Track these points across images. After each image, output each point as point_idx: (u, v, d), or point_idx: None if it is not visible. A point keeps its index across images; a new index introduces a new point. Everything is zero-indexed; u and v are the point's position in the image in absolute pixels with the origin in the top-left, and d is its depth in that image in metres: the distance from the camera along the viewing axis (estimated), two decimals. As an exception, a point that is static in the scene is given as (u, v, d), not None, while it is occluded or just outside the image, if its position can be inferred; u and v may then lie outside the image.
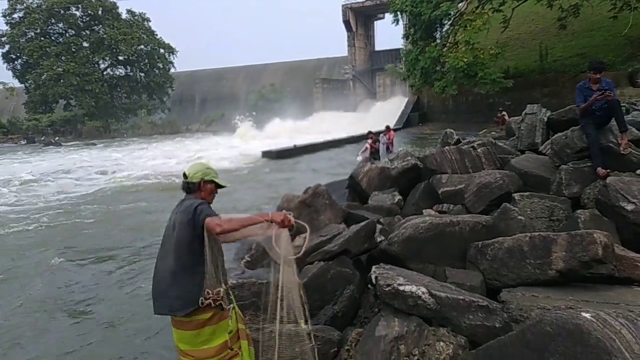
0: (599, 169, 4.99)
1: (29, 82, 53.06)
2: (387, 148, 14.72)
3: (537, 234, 3.70)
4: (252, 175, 17.16)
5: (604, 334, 2.19)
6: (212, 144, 31.18)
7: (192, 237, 2.79)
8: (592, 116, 5.31)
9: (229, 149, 26.83)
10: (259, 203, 11.52)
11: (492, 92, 23.93)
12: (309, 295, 3.91)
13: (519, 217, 4.37)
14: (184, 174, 2.96)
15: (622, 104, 5.32)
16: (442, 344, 2.94)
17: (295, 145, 23.44)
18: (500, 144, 7.66)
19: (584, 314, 2.35)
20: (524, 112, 7.80)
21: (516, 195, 5.04)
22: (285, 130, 36.87)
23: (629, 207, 4.14)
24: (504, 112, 20.02)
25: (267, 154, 21.65)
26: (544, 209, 4.89)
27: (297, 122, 41.11)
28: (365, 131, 15.36)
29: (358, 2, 48.83)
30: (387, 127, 15.74)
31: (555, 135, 6.08)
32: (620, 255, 3.57)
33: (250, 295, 4.25)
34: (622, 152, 5.05)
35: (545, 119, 7.40)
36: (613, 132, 5.30)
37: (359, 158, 13.62)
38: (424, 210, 5.81)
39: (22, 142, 46.71)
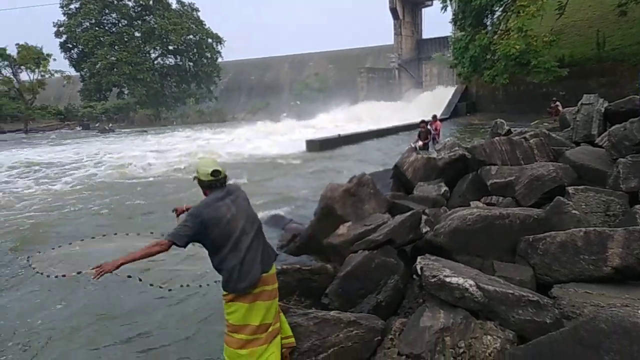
0: (662, 162, 4.73)
1: (84, 70, 55.47)
2: (434, 138, 14.46)
3: (592, 229, 3.56)
4: (295, 164, 17.28)
5: (664, 335, 2.10)
6: (257, 133, 31.55)
7: None
8: (654, 107, 5.03)
9: (273, 138, 27.10)
10: (303, 192, 11.62)
11: (545, 81, 23.03)
12: (352, 284, 3.96)
13: (573, 211, 4.21)
14: (217, 171, 3.23)
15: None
16: (489, 337, 2.90)
17: (339, 135, 23.39)
18: (554, 135, 7.37)
19: (642, 313, 2.26)
20: (580, 103, 7.47)
21: (570, 189, 4.86)
22: (329, 120, 36.90)
23: (693, 203, 3.92)
24: (557, 102, 19.31)
25: (310, 144, 21.67)
26: (599, 204, 4.69)
27: (341, 112, 41.04)
28: (411, 121, 15.16)
29: (405, -11, 47.96)
30: (434, 117, 15.45)
31: (613, 127, 5.80)
32: (682, 253, 3.39)
33: (294, 281, 4.33)
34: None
35: (603, 109, 7.06)
36: (678, 124, 5.00)
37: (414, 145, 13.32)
38: (471, 202, 5.70)
39: (78, 128, 48.97)
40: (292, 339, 3.32)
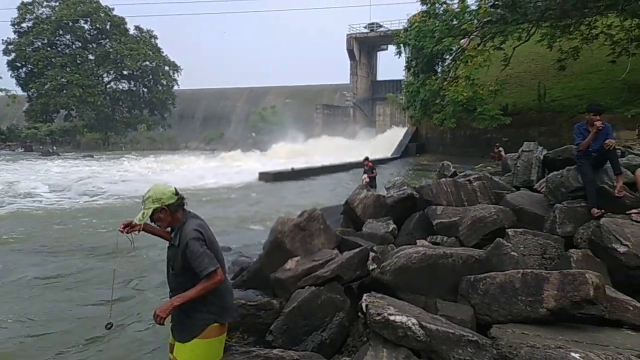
0: (594, 209, 5.01)
1: (32, 90, 53.49)
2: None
3: (529, 271, 3.69)
4: (247, 195, 17.14)
5: (593, 376, 2.18)
6: (208, 163, 31.18)
7: None
8: (588, 157, 5.37)
9: (225, 169, 26.84)
10: (253, 224, 11.48)
11: (489, 127, 24.19)
12: (297, 321, 3.89)
13: (512, 252, 4.37)
14: (176, 189, 3.12)
15: (617, 147, 5.38)
16: (429, 377, 2.90)
17: (292, 169, 23.51)
18: (496, 179, 7.69)
19: (573, 354, 2.35)
20: (520, 149, 7.87)
21: (510, 231, 5.04)
22: (284, 153, 37.10)
23: (622, 249, 4.15)
24: (500, 148, 20.28)
25: (263, 176, 21.65)
26: (537, 247, 4.89)
27: (295, 146, 41.36)
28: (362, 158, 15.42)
29: (362, 33, 49.86)
30: (366, 158, 15.45)
31: (551, 174, 6.13)
32: (611, 297, 3.56)
33: (238, 317, 4.20)
34: (617, 194, 5.10)
35: (542, 157, 7.47)
36: (608, 174, 5.35)
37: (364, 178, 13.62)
38: (417, 241, 5.79)
39: (20, 150, 46.71)
40: None
